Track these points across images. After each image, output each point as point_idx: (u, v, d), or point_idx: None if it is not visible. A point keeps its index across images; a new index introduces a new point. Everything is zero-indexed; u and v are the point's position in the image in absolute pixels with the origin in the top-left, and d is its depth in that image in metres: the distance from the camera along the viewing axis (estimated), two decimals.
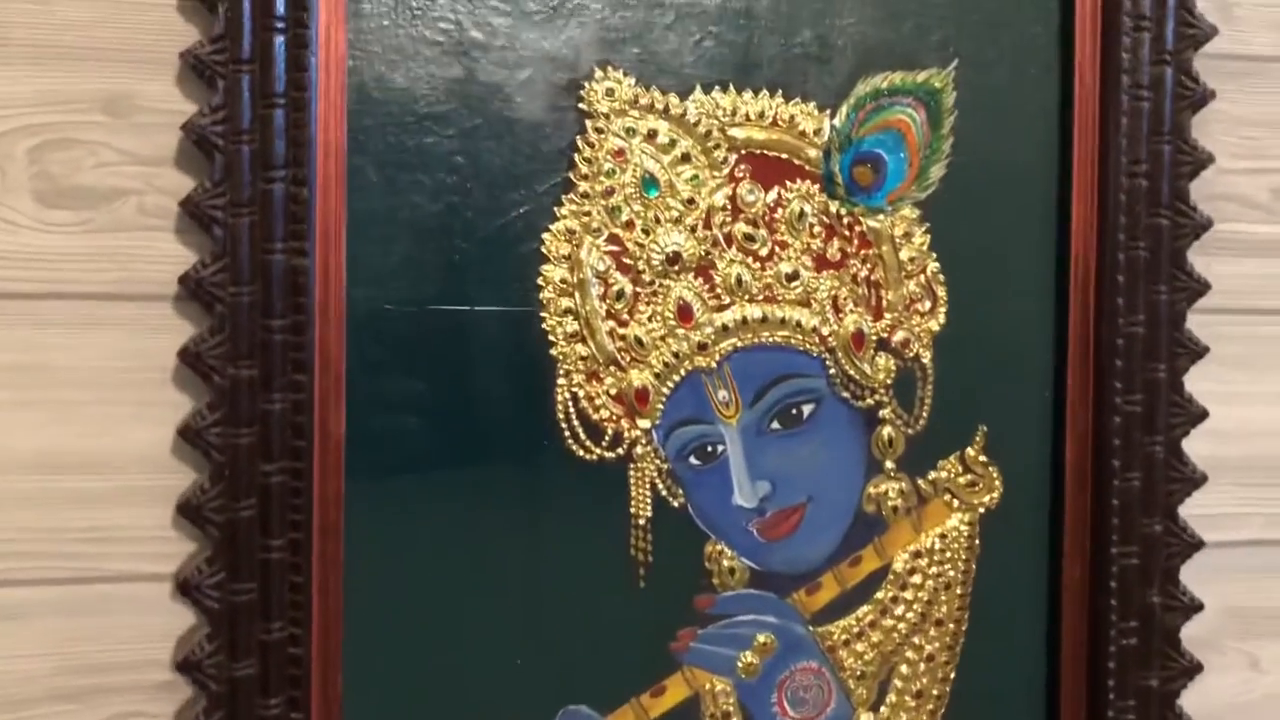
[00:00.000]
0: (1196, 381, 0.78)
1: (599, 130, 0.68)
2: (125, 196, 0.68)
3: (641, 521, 0.70)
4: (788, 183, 0.70)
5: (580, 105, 0.67)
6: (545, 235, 0.67)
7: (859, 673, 0.73)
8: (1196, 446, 0.81)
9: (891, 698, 0.73)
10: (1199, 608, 0.74)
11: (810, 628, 0.72)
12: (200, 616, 0.66)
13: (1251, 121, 0.81)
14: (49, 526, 0.70)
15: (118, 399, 0.70)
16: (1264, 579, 0.87)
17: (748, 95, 0.69)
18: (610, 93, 0.67)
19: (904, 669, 0.73)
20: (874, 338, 0.72)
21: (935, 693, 0.73)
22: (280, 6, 0.60)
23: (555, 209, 0.68)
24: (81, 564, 0.71)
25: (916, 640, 0.73)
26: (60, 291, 0.69)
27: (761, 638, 0.72)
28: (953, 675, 0.74)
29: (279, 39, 0.60)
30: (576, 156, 0.68)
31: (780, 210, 0.70)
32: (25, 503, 0.70)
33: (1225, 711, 0.87)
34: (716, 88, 0.69)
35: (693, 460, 0.70)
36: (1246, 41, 0.80)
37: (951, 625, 0.74)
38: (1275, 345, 0.84)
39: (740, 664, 0.71)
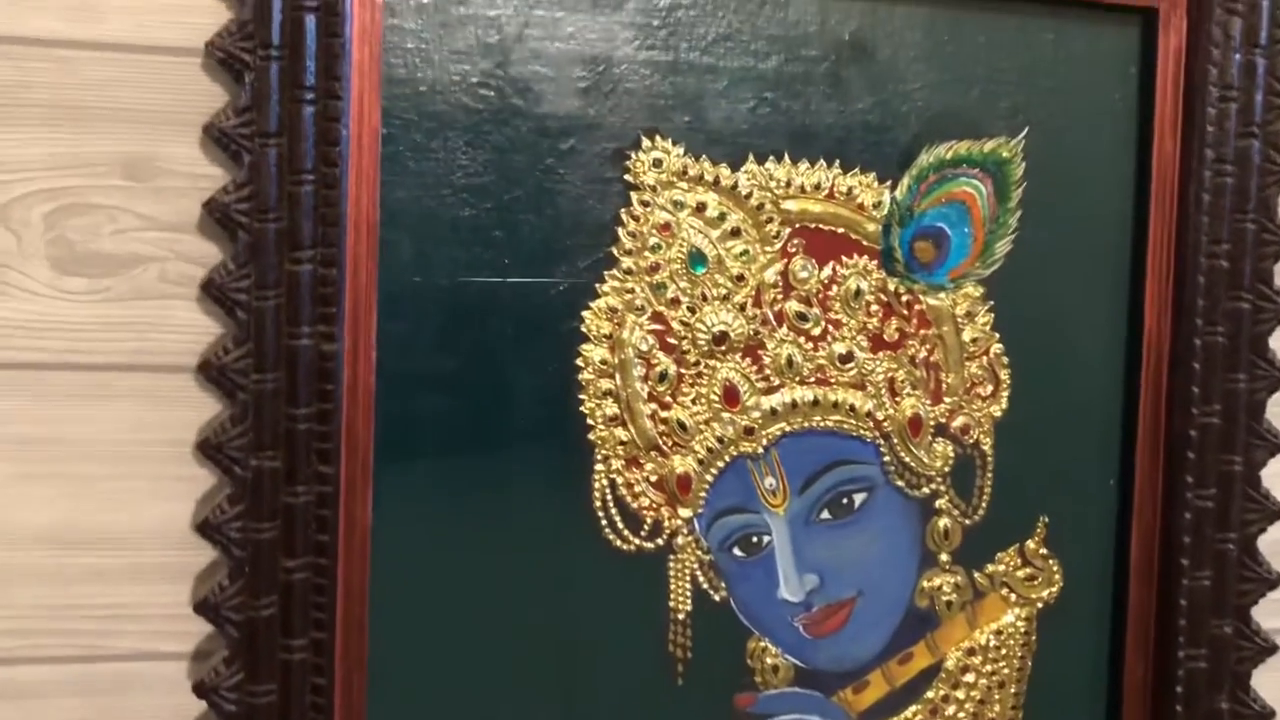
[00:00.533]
0: (1277, 463, 0.74)
1: (645, 203, 0.64)
2: (145, 264, 0.65)
3: (681, 616, 0.66)
4: (844, 258, 0.66)
5: (626, 176, 0.64)
6: (586, 313, 0.64)
7: None
8: (1273, 533, 0.77)
9: None
10: (1270, 715, 0.70)
11: None
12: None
13: None
14: (62, 604, 0.67)
15: (134, 473, 0.67)
16: None
17: (803, 166, 0.65)
18: (658, 163, 0.64)
19: None
20: (932, 423, 0.68)
21: None
22: (310, 76, 0.56)
23: (597, 286, 0.64)
24: (95, 642, 0.68)
25: None
26: (76, 362, 0.66)
27: None
28: None
29: (308, 110, 0.56)
30: (620, 230, 0.64)
31: (835, 288, 0.66)
32: (38, 579, 0.67)
33: None
34: (770, 158, 0.65)
35: (736, 551, 0.67)
36: None
37: None
38: None
39: None
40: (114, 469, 0.67)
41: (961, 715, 0.69)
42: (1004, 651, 0.70)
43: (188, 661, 0.69)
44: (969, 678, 0.69)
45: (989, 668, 0.70)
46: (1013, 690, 0.70)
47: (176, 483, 0.67)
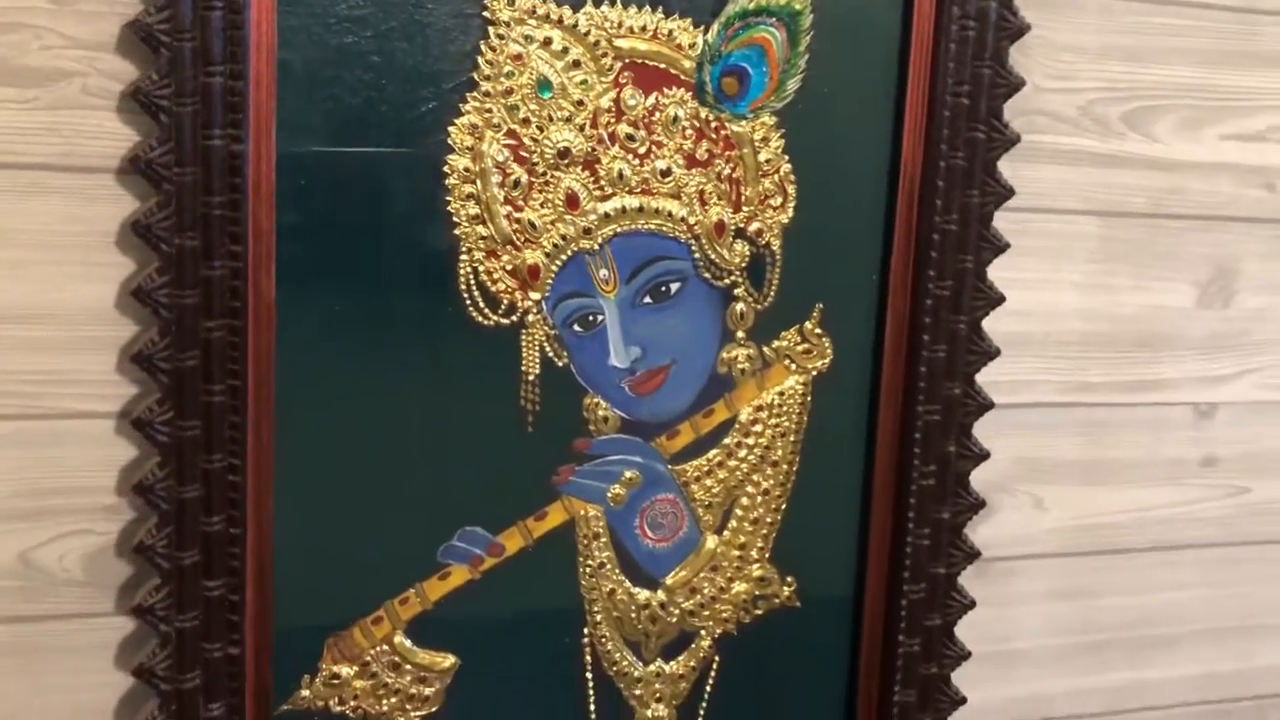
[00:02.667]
0: (1005, 270, 0.89)
1: (500, 36, 0.74)
2: (69, 78, 0.74)
3: (531, 378, 0.79)
4: (665, 90, 0.78)
5: (484, 13, 0.74)
6: (451, 129, 0.74)
7: (707, 503, 0.85)
8: (1002, 325, 0.93)
9: (733, 523, 0.86)
10: (986, 456, 0.88)
11: (669, 466, 0.83)
12: (151, 448, 0.75)
13: (1065, 47, 0.92)
14: (4, 369, 0.77)
15: (65, 259, 0.76)
16: (1051, 434, 1.02)
17: (633, 10, 0.76)
18: (511, 2, 0.74)
19: (744, 500, 0.86)
20: (733, 227, 0.81)
21: (769, 520, 0.86)
22: None
23: (460, 105, 0.74)
24: (35, 402, 0.78)
25: (755, 478, 0.85)
26: (9, 162, 0.74)
27: (628, 474, 0.82)
28: (784, 506, 0.86)
29: None
30: (480, 59, 0.74)
31: (658, 114, 0.78)
32: None
33: (1013, 541, 1.03)
34: (605, 2, 0.76)
35: (576, 328, 0.80)
36: None
37: (785, 466, 0.86)
38: (1071, 240, 0.97)
39: (610, 494, 0.82)
40: (48, 255, 0.75)
41: (751, 457, 0.85)
42: (785, 408, 0.85)
43: (114, 420, 0.80)
44: (757, 428, 0.85)
45: (773, 421, 0.85)
46: (791, 439, 0.86)
47: (103, 268, 0.76)
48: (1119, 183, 0.98)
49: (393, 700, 0.81)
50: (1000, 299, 0.86)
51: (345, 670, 0.80)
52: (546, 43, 0.76)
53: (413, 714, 0.82)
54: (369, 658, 0.80)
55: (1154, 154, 0.98)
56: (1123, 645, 1.11)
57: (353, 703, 0.81)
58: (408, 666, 0.81)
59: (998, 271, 0.87)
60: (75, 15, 0.73)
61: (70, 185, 0.75)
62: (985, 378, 0.89)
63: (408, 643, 0.81)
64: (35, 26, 0.73)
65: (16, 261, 0.76)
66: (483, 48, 0.75)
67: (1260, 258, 1.04)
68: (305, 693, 0.80)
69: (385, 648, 0.80)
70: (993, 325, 0.89)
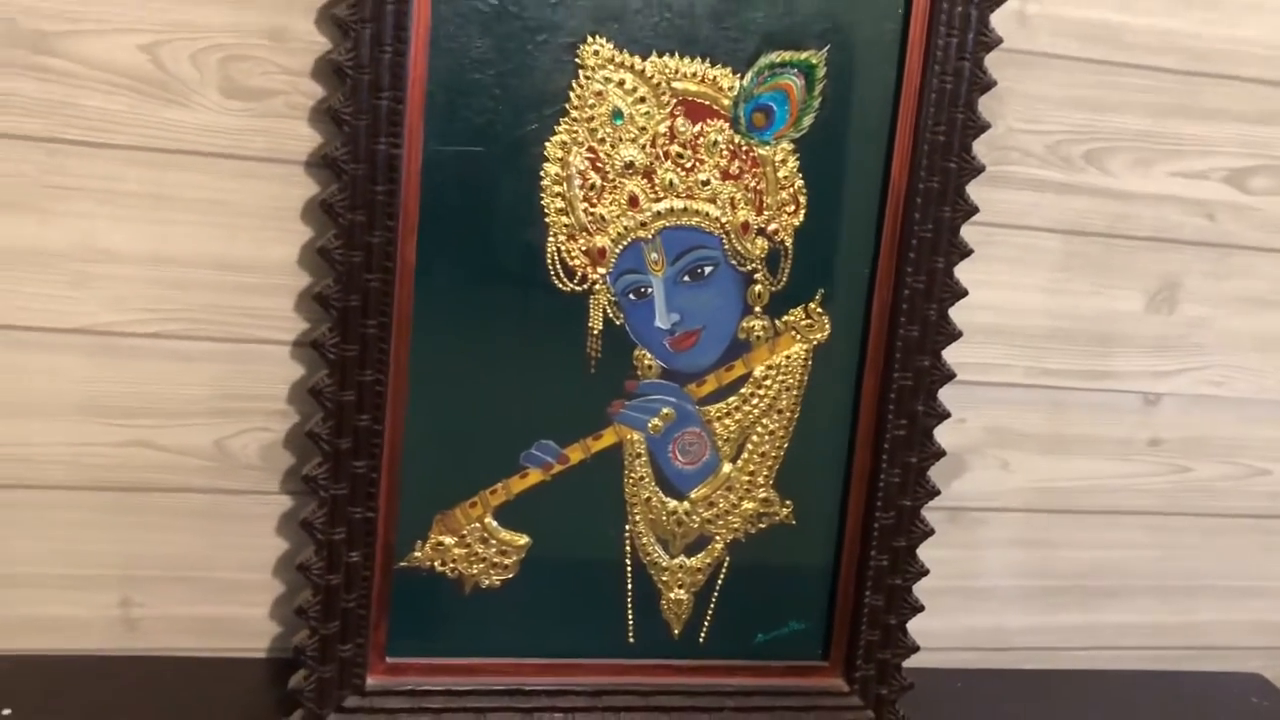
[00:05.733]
0: (983, 274, 1.11)
1: (587, 77, 0.94)
2: (277, 94, 1.02)
3: (595, 332, 0.98)
4: (708, 121, 0.96)
5: (576, 59, 0.94)
6: (547, 144, 0.94)
7: (725, 437, 1.03)
8: (979, 318, 1.16)
9: (745, 454, 1.04)
10: (948, 415, 1.05)
11: (697, 407, 1.01)
12: (318, 367, 1.02)
13: (1034, 97, 1.14)
14: (218, 304, 1.04)
15: (266, 226, 1.03)
16: (1018, 409, 1.23)
17: (687, 60, 0.95)
18: (596, 53, 0.97)
19: (755, 438, 1.04)
20: (756, 227, 0.98)
21: (774, 454, 1.05)
22: None
23: (554, 127, 0.94)
24: (238, 330, 1.05)
25: (764, 421, 1.03)
26: (232, 153, 1.02)
27: (665, 410, 1.00)
28: (786, 444, 1.04)
29: (390, 7, 0.93)
30: (571, 94, 0.95)
31: (701, 139, 0.96)
32: (205, 288, 1.03)
33: (984, 497, 1.25)
34: (667, 54, 0.98)
35: (631, 296, 0.98)
36: (1035, 41, 1.13)
37: (788, 413, 1.04)
38: (1039, 252, 1.18)
39: (650, 425, 1.01)
40: (255, 222, 1.03)
41: (761, 404, 1.05)
42: (790, 369, 1.02)
43: (290, 347, 1.08)
44: (768, 382, 1.05)
45: (780, 378, 1.03)
46: (794, 393, 1.05)
47: (291, 233, 1.03)
48: (1079, 207, 1.19)
49: (481, 565, 1.07)
50: (964, 292, 1.05)
51: (448, 540, 1.05)
52: (621, 83, 0.96)
53: (495, 578, 1.08)
54: (465, 532, 1.05)
55: (1109, 185, 1.19)
56: (1075, 592, 1.32)
57: (451, 565, 1.07)
58: (493, 541, 1.06)
59: (977, 276, 1.07)
60: (286, 50, 1.00)
61: (273, 172, 1.03)
62: (963, 359, 1.08)
63: (494, 523, 1.03)
64: (258, 58, 1.01)
65: (235, 225, 1.03)
66: (573, 85, 0.94)
67: (1202, 275, 1.24)
68: (418, 554, 1.05)
69: (478, 525, 1.04)
70: (970, 318, 1.10)
